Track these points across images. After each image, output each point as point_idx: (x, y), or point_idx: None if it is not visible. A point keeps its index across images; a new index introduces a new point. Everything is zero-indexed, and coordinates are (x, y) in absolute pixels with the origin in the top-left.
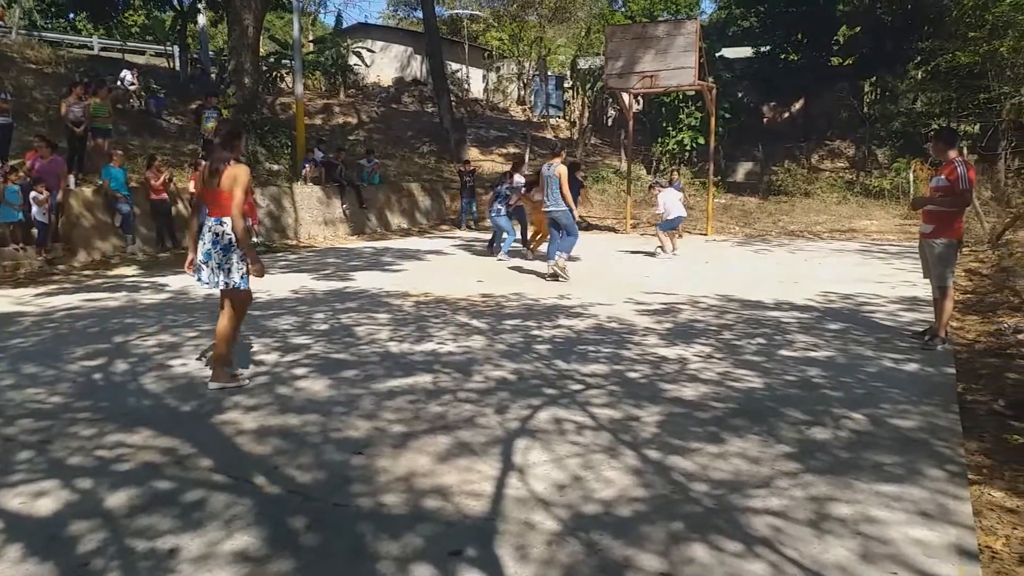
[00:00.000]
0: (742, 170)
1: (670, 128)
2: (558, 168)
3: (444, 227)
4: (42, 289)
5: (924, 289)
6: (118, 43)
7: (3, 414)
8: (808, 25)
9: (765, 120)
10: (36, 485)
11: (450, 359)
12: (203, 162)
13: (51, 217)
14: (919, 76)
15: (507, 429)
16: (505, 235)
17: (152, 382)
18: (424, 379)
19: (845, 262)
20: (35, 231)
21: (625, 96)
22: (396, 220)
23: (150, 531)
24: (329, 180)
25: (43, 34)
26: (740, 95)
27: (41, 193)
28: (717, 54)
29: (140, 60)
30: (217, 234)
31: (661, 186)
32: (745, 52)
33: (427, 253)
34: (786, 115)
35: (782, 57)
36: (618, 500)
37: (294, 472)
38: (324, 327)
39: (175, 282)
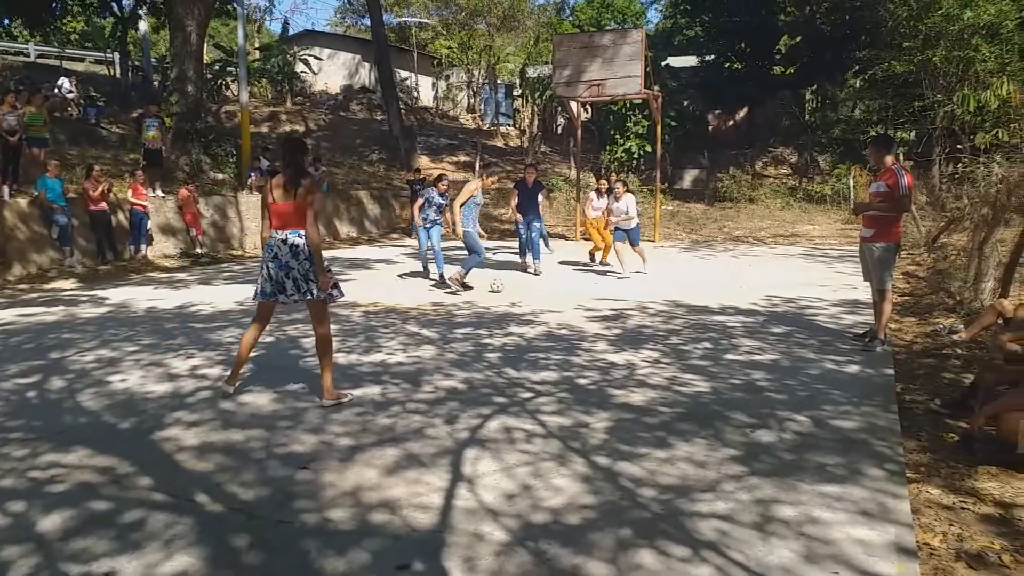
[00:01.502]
0: (688, 177)
1: (618, 136)
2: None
3: (394, 236)
4: None
5: (864, 292)
6: (56, 50)
7: None
8: (751, 35)
9: (710, 128)
10: None
11: (399, 369)
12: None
13: None
14: (857, 85)
15: (457, 439)
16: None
17: (90, 399)
18: (373, 390)
19: (788, 266)
20: None
21: (573, 104)
22: (345, 229)
23: (85, 554)
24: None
25: None
26: (686, 103)
27: None
28: (663, 63)
29: (79, 67)
30: (296, 246)
31: (624, 185)
32: (690, 61)
33: (376, 262)
34: (731, 123)
35: (726, 66)
36: (567, 508)
37: (237, 489)
38: (270, 339)
39: (116, 295)
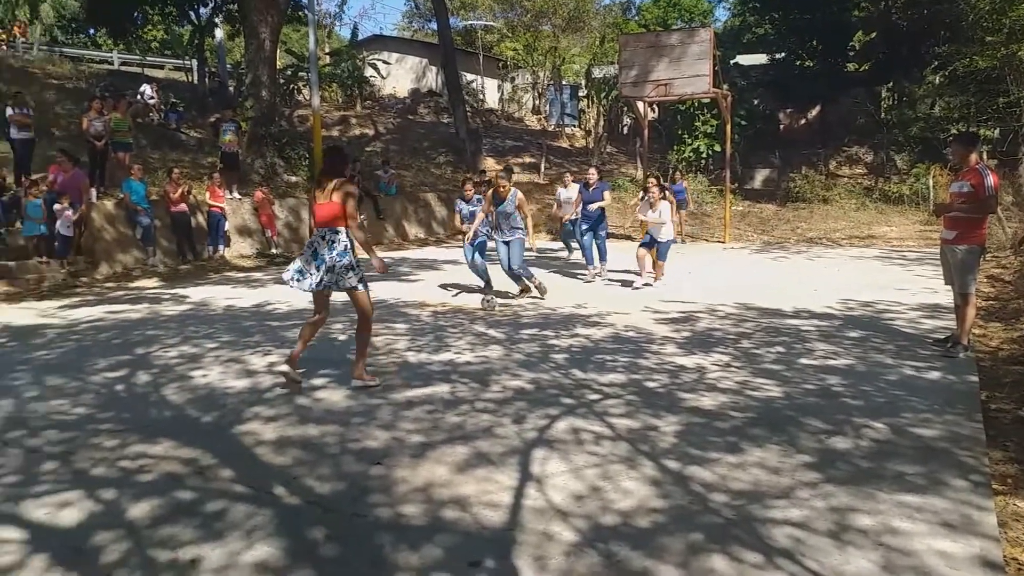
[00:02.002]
0: (759, 177)
1: (686, 136)
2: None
3: (460, 237)
4: (65, 301)
5: (946, 296)
6: (137, 57)
7: (28, 426)
8: (823, 31)
9: (781, 127)
10: (60, 496)
11: (468, 369)
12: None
13: (74, 230)
14: (936, 81)
15: (525, 439)
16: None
17: (174, 393)
18: (442, 389)
19: (864, 269)
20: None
21: (640, 104)
22: (413, 230)
23: (172, 541)
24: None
25: (64, 49)
26: (756, 102)
27: (64, 206)
28: (732, 61)
29: (159, 74)
30: (332, 242)
31: (661, 191)
32: (760, 59)
33: (444, 263)
34: (803, 121)
35: (797, 63)
36: (637, 511)
37: (313, 483)
38: (343, 337)
39: (195, 294)
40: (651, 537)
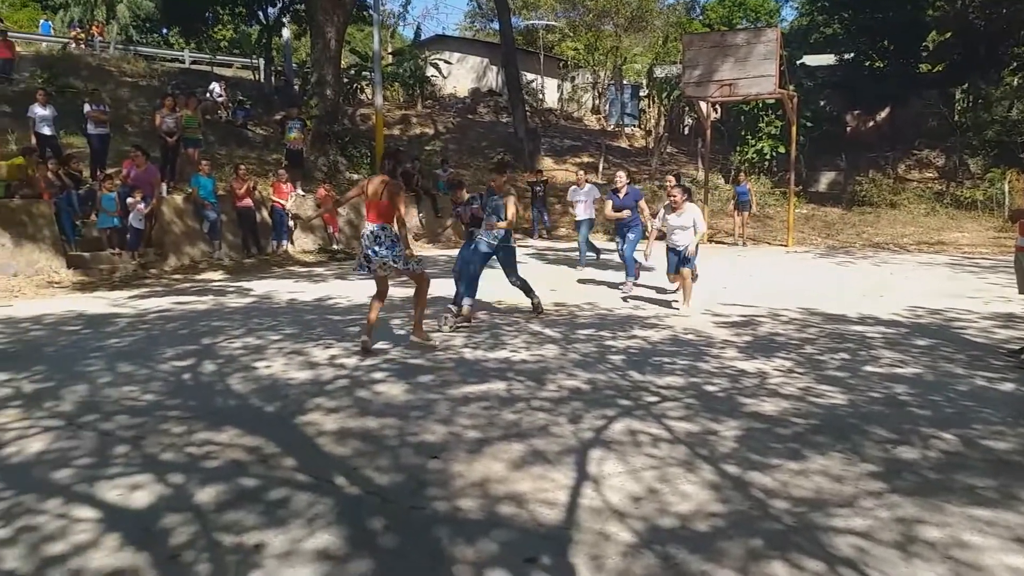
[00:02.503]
0: (824, 180)
1: (749, 137)
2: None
3: (517, 236)
4: (135, 292)
5: (1020, 305)
6: (207, 56)
7: (101, 410)
8: (895, 31)
9: (849, 129)
10: (131, 478)
11: (523, 367)
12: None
13: (145, 223)
14: (1015, 83)
15: (581, 439)
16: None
17: (238, 383)
18: (498, 386)
19: (934, 276)
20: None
21: (703, 105)
22: None
23: (237, 526)
24: (406, 189)
25: (138, 48)
26: (822, 103)
27: (137, 200)
28: (798, 61)
29: (228, 72)
30: (379, 237)
31: (684, 193)
32: (828, 59)
33: None
34: (871, 124)
35: (867, 64)
36: (695, 514)
37: (373, 474)
38: (401, 332)
39: (259, 287)
40: (710, 541)
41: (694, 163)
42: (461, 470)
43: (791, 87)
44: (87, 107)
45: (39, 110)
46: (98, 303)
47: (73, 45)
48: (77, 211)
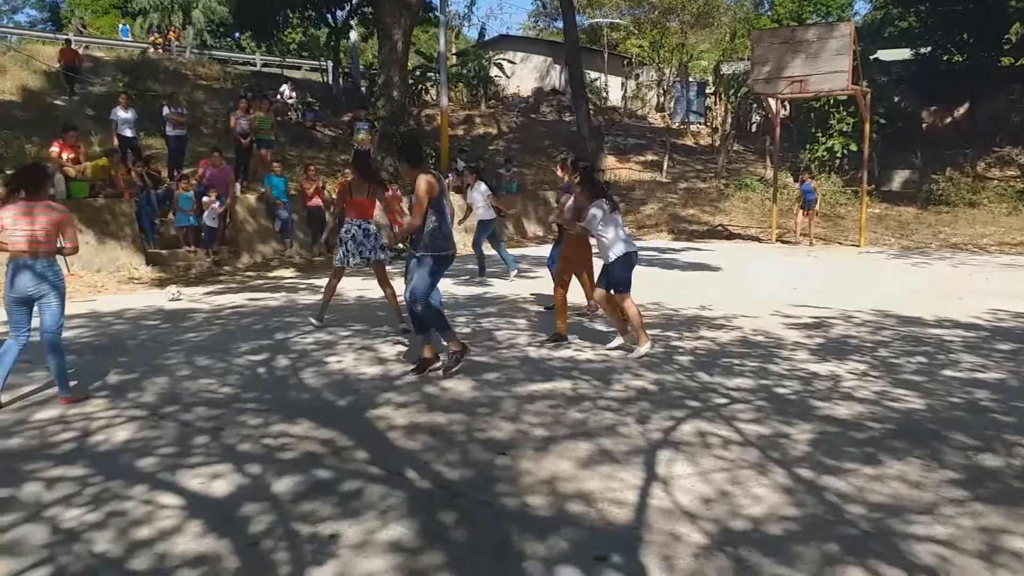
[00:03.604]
0: (898, 178)
1: (819, 134)
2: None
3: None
4: (211, 288)
5: None
6: (277, 59)
7: (181, 402)
8: (974, 23)
9: (924, 126)
10: (211, 468)
11: (588, 366)
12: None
13: (219, 222)
14: None
15: (649, 439)
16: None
17: (311, 377)
18: (563, 385)
19: (1017, 278)
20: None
21: (772, 102)
22: (532, 228)
23: (312, 516)
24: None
25: (212, 52)
26: (897, 99)
27: (212, 199)
28: (872, 57)
29: (297, 75)
30: (367, 231)
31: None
32: (903, 54)
33: None
34: (948, 120)
35: (944, 59)
36: (768, 517)
37: (442, 468)
38: (466, 330)
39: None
40: (783, 545)
41: (762, 161)
42: (529, 467)
43: (864, 83)
44: (165, 110)
45: (121, 113)
46: (181, 303)
47: (152, 50)
48: (156, 210)
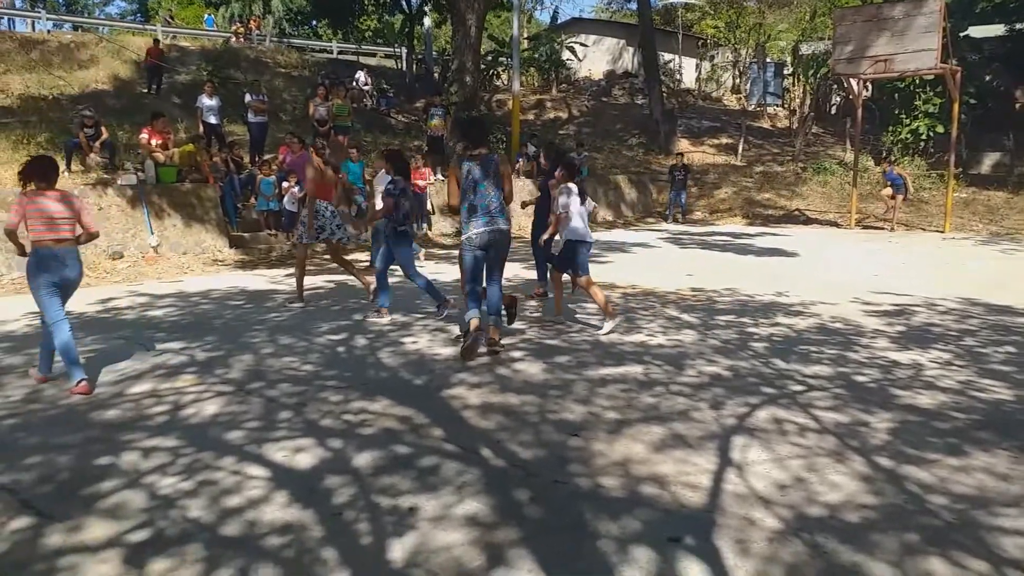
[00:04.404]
0: (988, 161)
1: (903, 115)
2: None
3: (650, 219)
4: (290, 270)
5: None
6: (353, 46)
7: (265, 378)
8: None
9: (1018, 106)
10: (295, 442)
11: (660, 351)
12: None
13: (299, 206)
14: None
15: (723, 425)
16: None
17: (388, 356)
18: (635, 369)
19: None
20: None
21: (854, 82)
22: (602, 212)
23: (392, 490)
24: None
25: (291, 40)
26: (988, 78)
27: (291, 184)
28: (962, 34)
29: (372, 62)
30: (334, 212)
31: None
32: (996, 30)
33: (633, 245)
34: None
35: None
36: (845, 505)
37: (516, 448)
38: (536, 314)
39: None
40: (862, 533)
41: (841, 144)
42: (602, 449)
43: (953, 61)
44: (247, 97)
45: (206, 100)
46: (258, 280)
47: (234, 39)
48: (239, 194)
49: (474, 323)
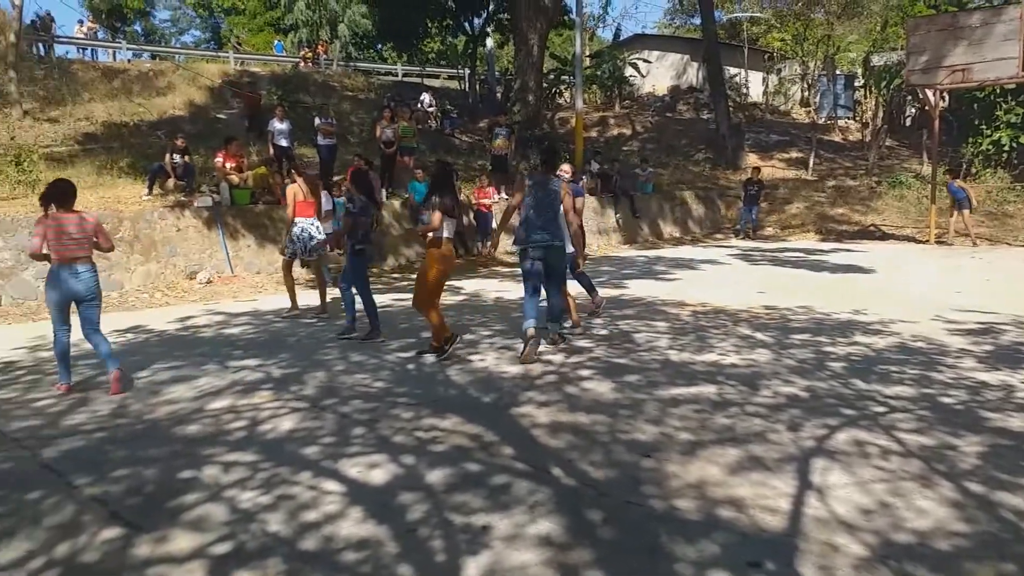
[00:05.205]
0: None
1: (984, 127)
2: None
3: (718, 236)
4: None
5: None
6: (417, 69)
7: (339, 395)
8: None
9: None
10: (369, 458)
11: (734, 371)
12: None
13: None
14: None
15: (802, 447)
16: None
17: (456, 374)
18: (708, 389)
19: None
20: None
21: (929, 93)
22: (668, 229)
23: (464, 507)
24: (604, 191)
25: (357, 64)
26: None
27: None
28: None
29: (435, 83)
30: (317, 227)
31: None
32: None
33: (701, 262)
34: None
35: None
36: (934, 532)
37: (587, 467)
38: (603, 332)
39: (468, 286)
40: (952, 561)
41: (917, 157)
42: (675, 470)
43: None
44: (317, 120)
45: (277, 124)
46: (328, 296)
47: (302, 64)
48: None
49: (530, 332)
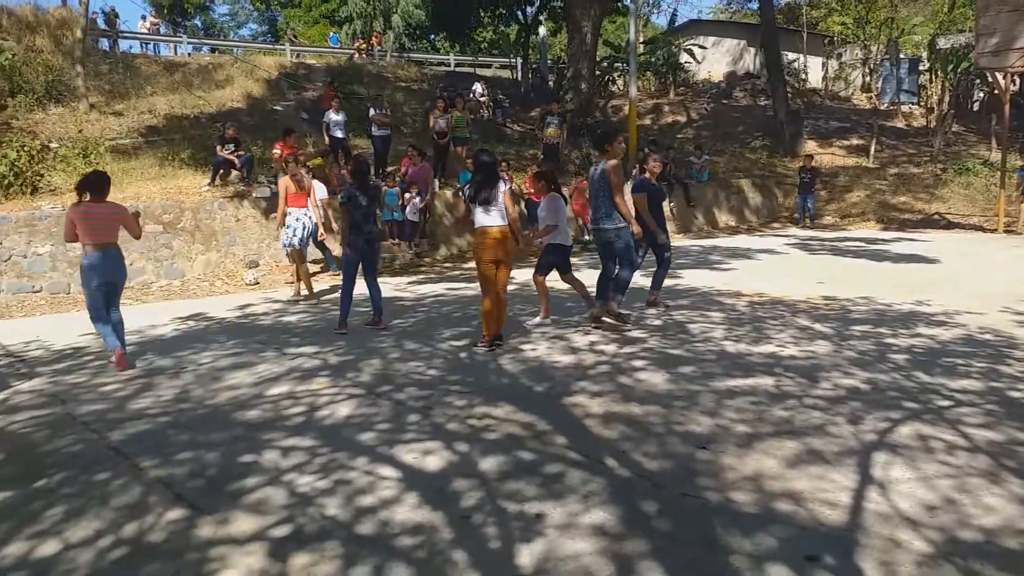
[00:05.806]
0: None
1: None
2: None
3: (775, 224)
4: (413, 278)
5: None
6: (469, 58)
7: (393, 382)
8: None
9: None
10: (423, 444)
11: (792, 363)
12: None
13: (420, 216)
14: None
15: (862, 441)
16: None
17: (509, 363)
18: (765, 381)
19: None
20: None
21: (1000, 76)
22: (724, 218)
23: (518, 495)
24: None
25: (410, 55)
26: None
27: (413, 195)
28: None
29: (487, 73)
30: (308, 216)
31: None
32: None
33: (758, 252)
34: None
35: None
36: (1003, 530)
37: (641, 458)
38: (657, 322)
39: (519, 275)
40: (1021, 560)
41: (986, 143)
42: (731, 463)
43: None
44: (371, 111)
45: (332, 115)
46: (383, 288)
47: (356, 55)
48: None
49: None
